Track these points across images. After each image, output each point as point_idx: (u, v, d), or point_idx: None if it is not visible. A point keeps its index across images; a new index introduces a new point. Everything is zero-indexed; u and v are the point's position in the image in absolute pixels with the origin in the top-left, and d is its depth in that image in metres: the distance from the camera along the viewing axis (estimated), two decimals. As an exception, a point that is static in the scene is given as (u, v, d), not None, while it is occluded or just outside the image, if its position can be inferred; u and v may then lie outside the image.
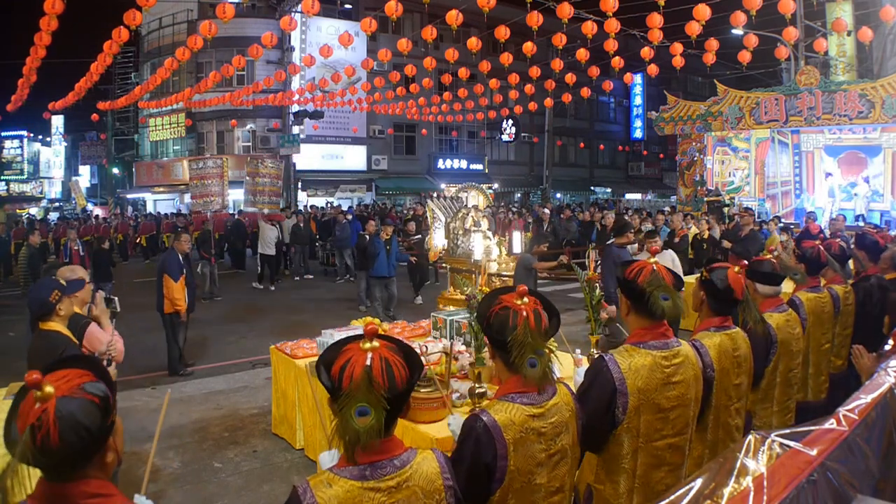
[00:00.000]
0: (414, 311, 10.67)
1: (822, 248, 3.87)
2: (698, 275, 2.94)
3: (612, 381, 2.13)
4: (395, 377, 1.50)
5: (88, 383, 1.30)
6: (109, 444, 1.34)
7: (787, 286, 3.65)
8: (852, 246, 5.05)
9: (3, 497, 1.13)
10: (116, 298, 3.91)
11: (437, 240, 11.69)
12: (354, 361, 1.50)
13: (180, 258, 7.62)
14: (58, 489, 1.28)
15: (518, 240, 10.66)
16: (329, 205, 25.45)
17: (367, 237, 10.75)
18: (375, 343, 1.54)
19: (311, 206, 22.91)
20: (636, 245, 7.82)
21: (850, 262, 5.15)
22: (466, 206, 9.81)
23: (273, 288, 13.95)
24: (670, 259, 7.66)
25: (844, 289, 4.03)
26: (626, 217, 13.40)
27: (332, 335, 4.87)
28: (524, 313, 1.88)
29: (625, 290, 2.32)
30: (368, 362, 1.49)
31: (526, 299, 1.93)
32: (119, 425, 1.39)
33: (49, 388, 1.23)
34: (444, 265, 11.35)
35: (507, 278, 8.71)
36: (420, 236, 12.86)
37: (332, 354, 1.57)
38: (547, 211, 18.22)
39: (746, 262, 3.00)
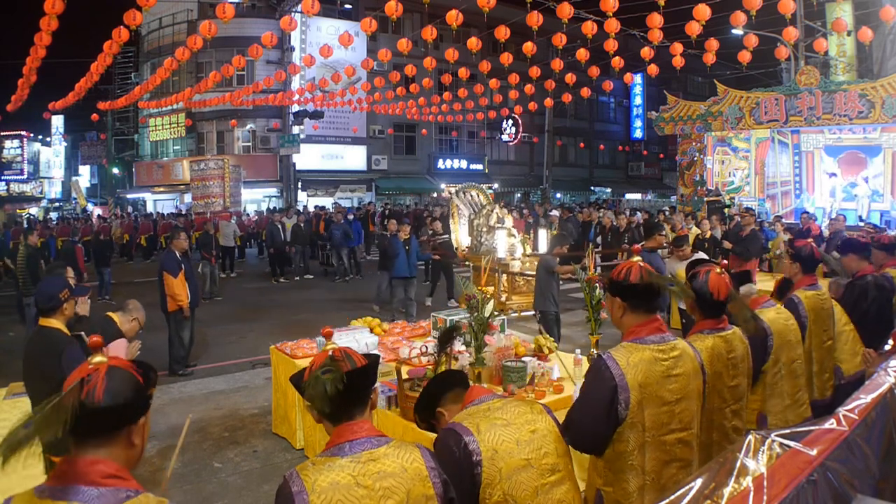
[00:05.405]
0: (424, 312, 9.98)
1: (814, 245, 3.92)
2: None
3: (612, 377, 2.14)
4: (353, 357, 1.74)
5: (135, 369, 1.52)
6: (139, 425, 1.47)
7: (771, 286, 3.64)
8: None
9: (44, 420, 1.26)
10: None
11: (462, 236, 11.11)
12: (315, 358, 1.76)
13: (178, 256, 7.68)
14: (79, 466, 1.35)
15: (543, 239, 10.13)
16: (327, 206, 25.43)
17: (388, 237, 10.44)
18: (334, 343, 1.82)
19: (315, 207, 22.87)
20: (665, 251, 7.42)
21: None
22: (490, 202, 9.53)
23: (234, 275, 16.10)
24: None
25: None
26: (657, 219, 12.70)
27: (333, 335, 4.85)
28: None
29: (621, 292, 2.33)
30: (330, 352, 1.74)
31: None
32: (147, 419, 1.53)
33: (104, 357, 1.44)
34: (466, 263, 10.89)
35: (529, 278, 8.48)
36: (447, 236, 12.20)
37: (300, 372, 1.80)
38: (556, 213, 17.38)
39: (747, 262, 3.00)
